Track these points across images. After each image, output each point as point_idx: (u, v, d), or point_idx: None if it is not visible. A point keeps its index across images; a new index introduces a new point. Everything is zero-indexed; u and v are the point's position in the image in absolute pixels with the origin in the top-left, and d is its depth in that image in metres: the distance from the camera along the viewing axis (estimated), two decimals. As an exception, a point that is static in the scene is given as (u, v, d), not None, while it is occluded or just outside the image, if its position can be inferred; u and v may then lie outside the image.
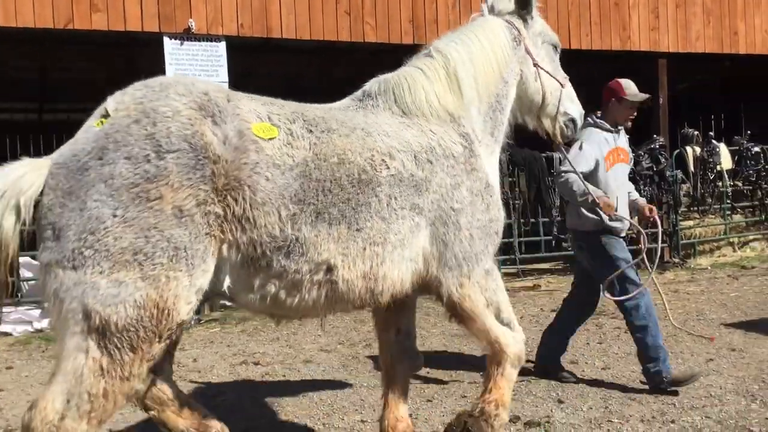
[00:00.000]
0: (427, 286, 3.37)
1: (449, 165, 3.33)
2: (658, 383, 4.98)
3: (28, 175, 2.66)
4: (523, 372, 4.71)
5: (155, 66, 8.90)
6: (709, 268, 10.61)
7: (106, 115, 2.75)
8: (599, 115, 5.41)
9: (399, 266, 3.18)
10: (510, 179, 10.26)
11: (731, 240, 11.73)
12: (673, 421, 4.47)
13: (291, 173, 2.89)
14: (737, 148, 11.76)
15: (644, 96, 5.38)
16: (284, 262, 2.90)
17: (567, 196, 5.23)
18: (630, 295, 5.04)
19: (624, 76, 15.43)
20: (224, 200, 2.75)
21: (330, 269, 3.00)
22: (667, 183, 10.92)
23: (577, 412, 4.73)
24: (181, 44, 8.67)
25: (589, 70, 17.75)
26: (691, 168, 11.25)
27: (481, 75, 3.64)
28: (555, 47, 4.04)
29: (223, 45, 8.89)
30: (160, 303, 2.64)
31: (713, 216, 11.67)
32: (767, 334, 6.45)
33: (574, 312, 5.65)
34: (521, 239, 10.41)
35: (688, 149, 11.33)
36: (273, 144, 2.90)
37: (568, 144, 4.61)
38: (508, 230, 10.33)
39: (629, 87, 5.35)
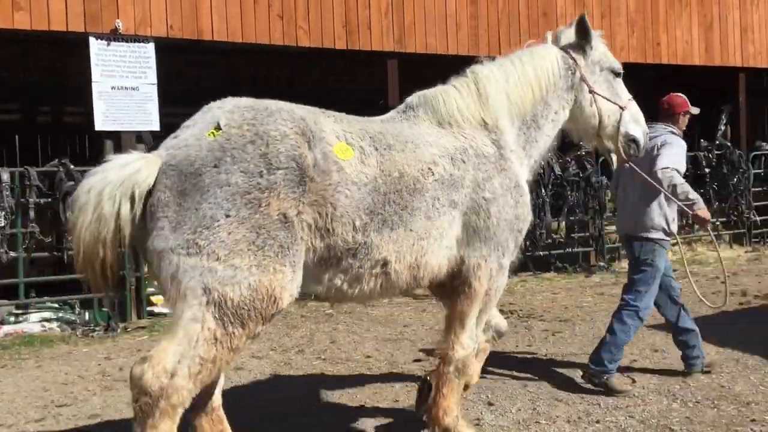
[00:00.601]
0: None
1: (480, 162, 3.80)
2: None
3: (144, 169, 3.10)
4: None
5: (81, 66, 8.67)
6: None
7: (218, 128, 3.21)
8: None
9: (438, 255, 3.68)
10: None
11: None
12: (598, 421, 4.60)
13: (365, 189, 3.40)
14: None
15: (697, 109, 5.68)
16: (351, 261, 3.43)
17: (670, 190, 5.10)
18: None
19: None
20: (312, 213, 3.25)
21: (385, 264, 3.52)
22: (593, 189, 11.24)
23: (506, 413, 4.81)
24: (108, 45, 8.45)
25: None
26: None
27: (514, 94, 4.07)
28: (615, 73, 4.41)
29: (151, 46, 8.70)
30: (269, 289, 3.12)
31: (637, 221, 12.03)
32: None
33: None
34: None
35: (613, 156, 11.63)
36: (350, 163, 3.39)
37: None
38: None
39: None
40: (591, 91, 4.25)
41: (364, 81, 16.60)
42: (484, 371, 5.40)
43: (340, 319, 8.09)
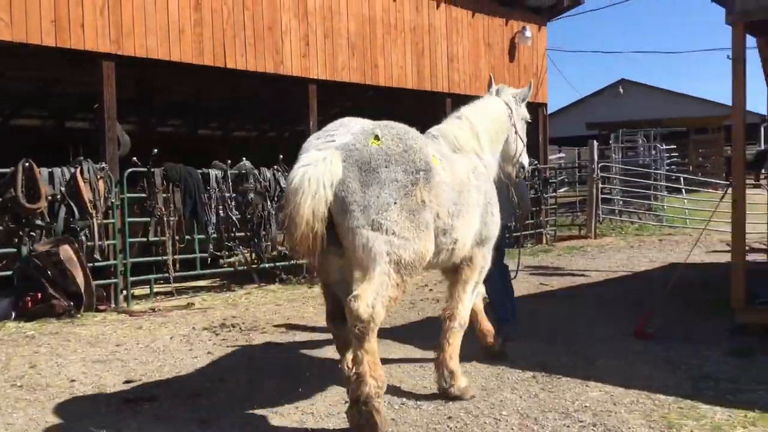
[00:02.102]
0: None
1: (484, 177, 5.40)
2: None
3: (336, 163, 4.27)
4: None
5: None
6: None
7: (377, 138, 4.48)
8: None
9: (471, 239, 5.19)
10: (164, 195, 9.94)
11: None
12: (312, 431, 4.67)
13: (449, 187, 4.84)
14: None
15: None
16: (442, 239, 4.83)
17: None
18: None
19: (279, 99, 16.03)
20: (432, 202, 4.62)
21: (455, 242, 4.98)
22: (316, 202, 11.53)
23: (223, 430, 4.69)
24: None
25: (249, 90, 18.15)
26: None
27: (491, 134, 5.75)
28: (527, 121, 6.24)
29: None
30: (423, 252, 4.54)
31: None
32: (399, 341, 7.10)
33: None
34: (176, 257, 10.12)
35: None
36: (440, 167, 4.82)
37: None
38: (162, 247, 10.00)
39: None
40: (516, 133, 6.00)
41: (74, 82, 15.44)
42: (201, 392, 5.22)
43: (43, 341, 7.35)
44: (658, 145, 23.33)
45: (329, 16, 12.32)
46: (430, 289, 10.38)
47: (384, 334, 7.51)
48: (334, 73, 12.48)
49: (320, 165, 4.20)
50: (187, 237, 10.24)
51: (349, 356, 4.52)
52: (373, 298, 4.24)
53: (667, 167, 24.28)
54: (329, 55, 12.37)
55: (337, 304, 4.69)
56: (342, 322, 4.53)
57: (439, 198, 4.66)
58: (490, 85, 6.34)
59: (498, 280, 6.83)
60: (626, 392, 5.37)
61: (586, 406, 5.09)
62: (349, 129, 4.55)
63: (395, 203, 4.33)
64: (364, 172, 4.31)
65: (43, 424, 4.87)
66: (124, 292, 9.55)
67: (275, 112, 20.18)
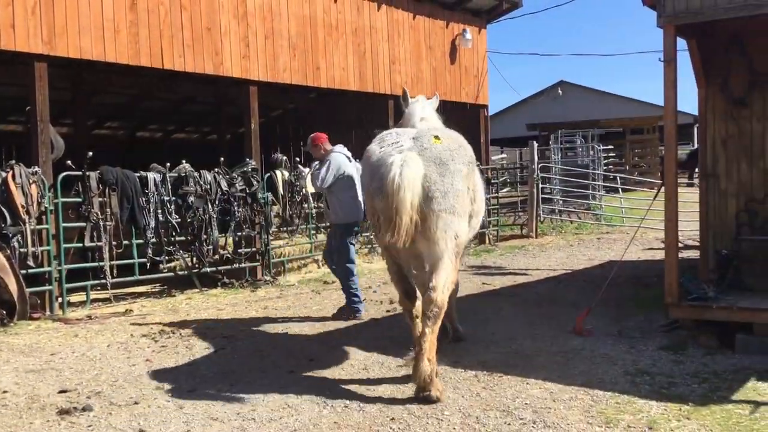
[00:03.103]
0: None
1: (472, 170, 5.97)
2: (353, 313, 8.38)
3: (419, 163, 5.30)
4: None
5: None
6: (297, 284, 11.36)
7: (438, 138, 5.59)
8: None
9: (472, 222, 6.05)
10: (101, 199, 9.69)
11: (316, 258, 12.73)
12: (252, 436, 4.62)
13: (474, 174, 5.88)
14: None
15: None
16: (474, 219, 5.95)
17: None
18: None
19: (219, 101, 15.83)
20: (471, 189, 5.74)
21: (475, 223, 6.06)
22: (259, 204, 11.45)
23: (159, 440, 4.60)
24: None
25: (188, 92, 17.86)
26: (281, 191, 11.95)
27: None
28: None
29: None
30: (468, 234, 5.85)
31: (300, 235, 12.55)
32: (342, 343, 7.08)
33: None
34: (113, 262, 9.86)
35: (278, 173, 12.02)
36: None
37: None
38: (98, 253, 9.74)
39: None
40: None
41: (6, 84, 14.94)
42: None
43: (-27, 351, 7.08)
44: (596, 146, 23.86)
45: (269, 17, 12.21)
46: (374, 291, 10.39)
47: (325, 336, 7.49)
48: (276, 75, 12.37)
49: (411, 164, 5.21)
50: (125, 242, 9.99)
51: (418, 331, 5.54)
52: (444, 286, 5.31)
53: (605, 167, 24.85)
54: (270, 57, 12.26)
55: (409, 285, 5.86)
56: (413, 300, 5.86)
57: (476, 185, 5.90)
58: (405, 98, 7.16)
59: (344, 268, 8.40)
60: (565, 389, 5.47)
61: (526, 404, 5.16)
62: (407, 134, 5.71)
63: (461, 191, 5.46)
64: (438, 166, 5.38)
65: None
66: (60, 299, 9.27)
67: (216, 113, 19.92)
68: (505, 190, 22.05)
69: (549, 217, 19.55)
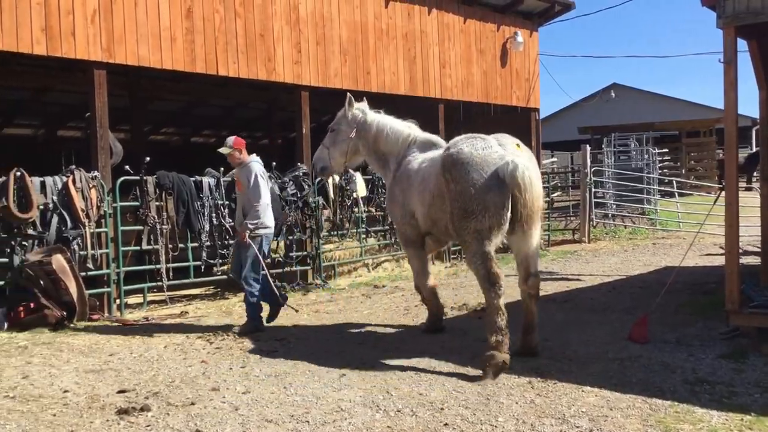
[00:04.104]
0: None
1: None
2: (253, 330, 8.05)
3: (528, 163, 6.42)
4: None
5: None
6: (347, 287, 11.42)
7: (518, 145, 6.55)
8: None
9: None
10: (157, 203, 9.91)
11: (366, 261, 12.78)
12: (306, 439, 4.64)
13: None
14: (371, 176, 12.89)
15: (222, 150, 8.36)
16: None
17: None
18: None
19: (271, 105, 16.10)
20: None
21: None
22: (310, 209, 11.55)
23: (215, 440, 4.66)
24: None
25: (241, 98, 18.13)
26: (331, 195, 12.03)
27: None
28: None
29: None
30: None
31: (350, 239, 12.61)
32: (393, 347, 7.08)
33: None
34: (169, 265, 10.07)
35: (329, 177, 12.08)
36: None
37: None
38: (155, 256, 9.96)
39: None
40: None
41: (66, 91, 15.41)
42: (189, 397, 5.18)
43: (36, 351, 7.29)
44: (651, 149, 23.38)
45: (321, 23, 12.32)
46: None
47: (377, 340, 7.50)
48: (327, 80, 12.47)
49: (530, 165, 6.30)
50: (181, 245, 10.19)
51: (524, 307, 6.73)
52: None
53: (660, 171, 24.33)
54: (321, 62, 12.36)
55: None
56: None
57: None
58: (351, 104, 7.98)
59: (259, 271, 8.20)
60: (622, 397, 5.36)
61: (582, 412, 5.08)
62: (497, 140, 6.53)
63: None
64: (532, 169, 6.30)
65: (36, 436, 4.83)
66: (117, 301, 9.50)
67: (267, 119, 20.18)
68: (556, 194, 21.78)
69: (602, 222, 19.23)
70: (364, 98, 8.19)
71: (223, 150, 8.30)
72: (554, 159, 34.52)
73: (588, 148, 18.19)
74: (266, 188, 8.25)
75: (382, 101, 16.54)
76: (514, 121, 17.49)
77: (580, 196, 17.78)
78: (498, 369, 5.94)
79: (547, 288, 10.69)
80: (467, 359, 6.47)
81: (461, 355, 6.67)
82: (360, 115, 7.96)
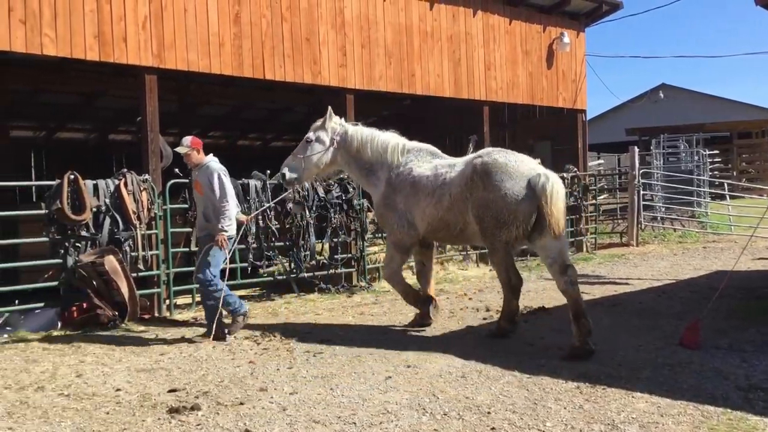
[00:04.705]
0: None
1: None
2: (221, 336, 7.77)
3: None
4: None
5: None
6: (391, 290, 11.39)
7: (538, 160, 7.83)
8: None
9: None
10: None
11: (410, 264, 12.74)
12: (353, 440, 4.67)
13: None
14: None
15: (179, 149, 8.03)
16: None
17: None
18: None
19: (316, 108, 16.23)
20: None
21: None
22: (354, 211, 11.60)
23: (263, 440, 4.71)
24: None
25: (286, 101, 18.30)
26: (376, 197, 12.05)
27: None
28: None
29: None
30: None
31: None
32: (438, 351, 7.06)
33: None
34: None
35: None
36: None
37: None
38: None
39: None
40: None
41: (117, 96, 15.75)
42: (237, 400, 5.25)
43: (89, 350, 7.48)
44: (701, 151, 22.89)
45: (366, 26, 12.38)
46: (470, 298, 10.32)
47: (421, 342, 7.49)
48: (371, 83, 12.52)
49: (558, 179, 6.99)
50: (229, 247, 10.32)
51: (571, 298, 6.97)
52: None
53: (710, 173, 23.81)
54: (366, 65, 12.42)
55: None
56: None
57: None
58: (330, 116, 8.34)
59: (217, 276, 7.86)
60: (673, 403, 5.26)
61: (632, 418, 5.00)
62: (526, 158, 7.33)
63: None
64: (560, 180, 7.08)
65: (91, 433, 4.95)
66: (167, 301, 9.69)
67: (312, 122, 20.33)
68: (602, 196, 21.48)
69: (650, 225, 18.90)
70: (340, 116, 8.73)
71: (180, 149, 8.01)
72: (601, 161, 34.04)
73: (636, 149, 17.90)
74: (230, 187, 7.93)
75: (427, 103, 16.57)
76: (560, 122, 17.31)
77: (628, 199, 17.50)
78: (497, 333, 7.62)
79: (594, 291, 10.55)
80: (513, 363, 6.42)
81: (507, 358, 6.63)
82: (339, 128, 8.37)
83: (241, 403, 5.51)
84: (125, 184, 9.19)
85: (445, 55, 13.81)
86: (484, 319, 8.73)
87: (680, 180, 20.55)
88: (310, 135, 8.46)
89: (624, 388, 5.65)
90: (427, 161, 8.07)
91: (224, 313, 8.02)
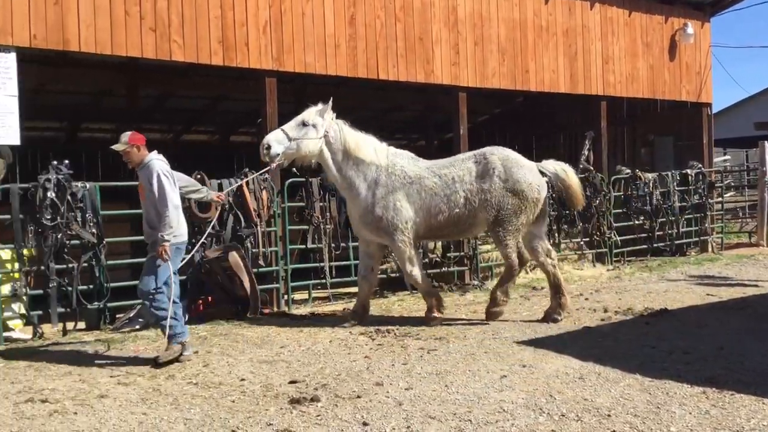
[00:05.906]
0: None
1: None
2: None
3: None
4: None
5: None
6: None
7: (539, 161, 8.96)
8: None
9: None
10: (321, 204, 10.35)
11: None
12: (469, 437, 4.68)
13: None
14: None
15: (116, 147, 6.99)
16: None
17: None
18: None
19: (428, 107, 16.28)
20: None
21: None
22: (468, 209, 11.55)
23: (380, 433, 4.81)
24: (-38, 52, 7.90)
25: (398, 100, 18.46)
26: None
27: None
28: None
29: (12, 56, 8.21)
30: None
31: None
32: (555, 351, 6.95)
33: None
34: (332, 263, 10.49)
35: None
36: None
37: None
38: (319, 254, 10.41)
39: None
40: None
41: (238, 98, 16.37)
42: (355, 394, 5.37)
43: (215, 341, 7.85)
44: (840, 145, 21.25)
45: (479, 23, 12.30)
46: (586, 299, 10.08)
47: (537, 343, 7.40)
48: (484, 80, 12.43)
49: (573, 174, 8.78)
50: (343, 244, 10.56)
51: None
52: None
53: None
54: (479, 62, 12.34)
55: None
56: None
57: None
58: (328, 110, 8.33)
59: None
60: (811, 413, 4.95)
61: (763, 425, 4.75)
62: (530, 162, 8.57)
63: None
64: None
65: (218, 420, 5.21)
66: (285, 296, 10.02)
67: (423, 120, 20.40)
68: (729, 194, 20.37)
69: (782, 224, 17.74)
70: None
71: (117, 147, 6.96)
72: (727, 157, 32.27)
73: (767, 144, 16.86)
74: (173, 190, 6.89)
75: (540, 100, 16.25)
76: (682, 117, 16.56)
77: (758, 196, 16.53)
78: (495, 316, 8.61)
79: (721, 293, 10.06)
80: (635, 366, 6.23)
81: (627, 361, 6.44)
82: (335, 124, 8.43)
83: (359, 397, 5.63)
84: (247, 184, 9.57)
85: (561, 49, 13.52)
86: (602, 320, 8.50)
87: (817, 176, 19.15)
88: (308, 119, 8.25)
89: (754, 394, 5.37)
90: (413, 163, 8.55)
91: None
